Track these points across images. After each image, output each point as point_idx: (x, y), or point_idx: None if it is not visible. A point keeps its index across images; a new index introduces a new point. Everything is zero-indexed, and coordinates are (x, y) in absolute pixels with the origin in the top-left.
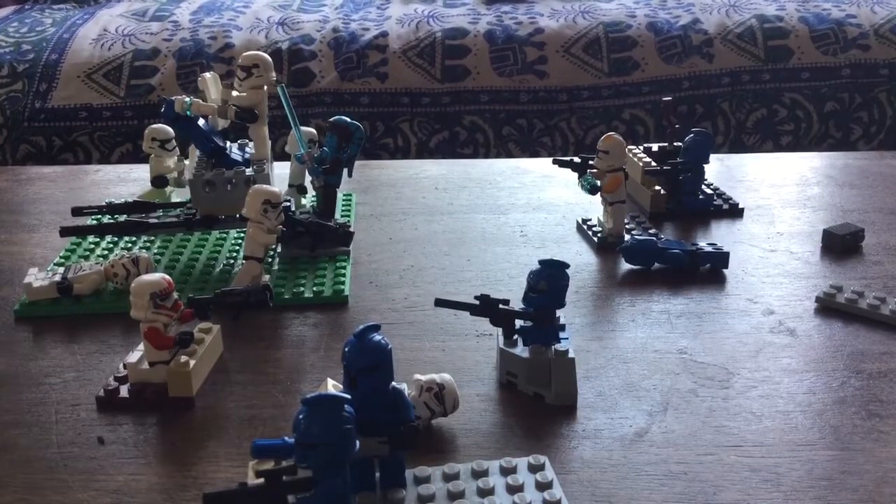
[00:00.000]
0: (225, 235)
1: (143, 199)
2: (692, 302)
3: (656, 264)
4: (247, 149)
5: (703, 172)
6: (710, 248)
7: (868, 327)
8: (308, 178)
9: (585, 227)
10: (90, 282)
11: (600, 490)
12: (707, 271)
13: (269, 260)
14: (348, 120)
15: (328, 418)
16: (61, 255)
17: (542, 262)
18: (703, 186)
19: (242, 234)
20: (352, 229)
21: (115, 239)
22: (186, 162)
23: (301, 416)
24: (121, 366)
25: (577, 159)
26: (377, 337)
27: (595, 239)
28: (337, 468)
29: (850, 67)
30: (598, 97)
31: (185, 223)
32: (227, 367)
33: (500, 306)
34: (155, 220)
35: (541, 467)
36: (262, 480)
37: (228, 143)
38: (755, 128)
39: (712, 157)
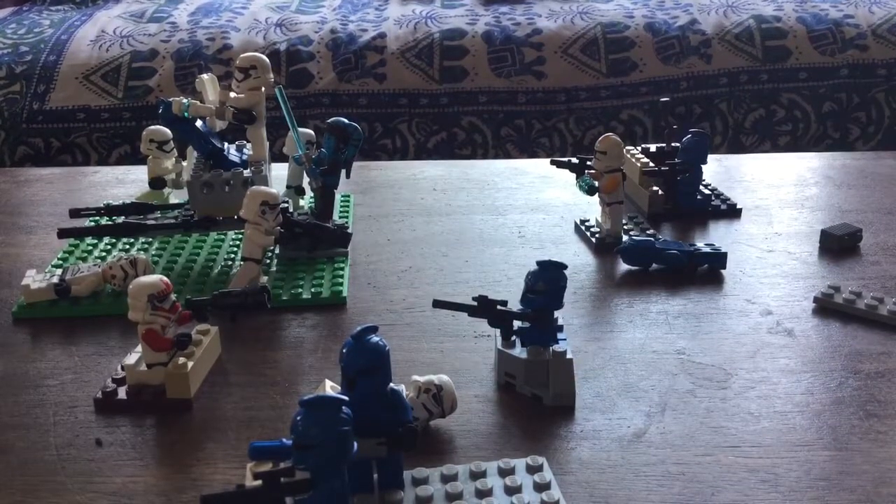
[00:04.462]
0: (223, 237)
1: (141, 200)
2: (690, 302)
3: (654, 265)
4: (245, 150)
5: (700, 173)
6: (707, 249)
7: (866, 327)
8: (306, 180)
9: (583, 227)
10: (88, 283)
11: (598, 491)
12: (705, 272)
13: (267, 261)
14: (346, 121)
15: (326, 420)
16: (59, 256)
17: (540, 263)
18: (701, 187)
19: (240, 236)
20: (350, 230)
21: (113, 240)
22: (184, 163)
23: (299, 418)
24: (119, 367)
25: (575, 160)
26: (375, 338)
27: (593, 240)
28: (335, 470)
29: (848, 68)
30: (596, 98)
31: (183, 225)
32: (225, 368)
33: (499, 307)
34: (153, 222)
35: (539, 468)
36: (259, 482)
37: (226, 145)
38: (753, 128)
39: (710, 157)
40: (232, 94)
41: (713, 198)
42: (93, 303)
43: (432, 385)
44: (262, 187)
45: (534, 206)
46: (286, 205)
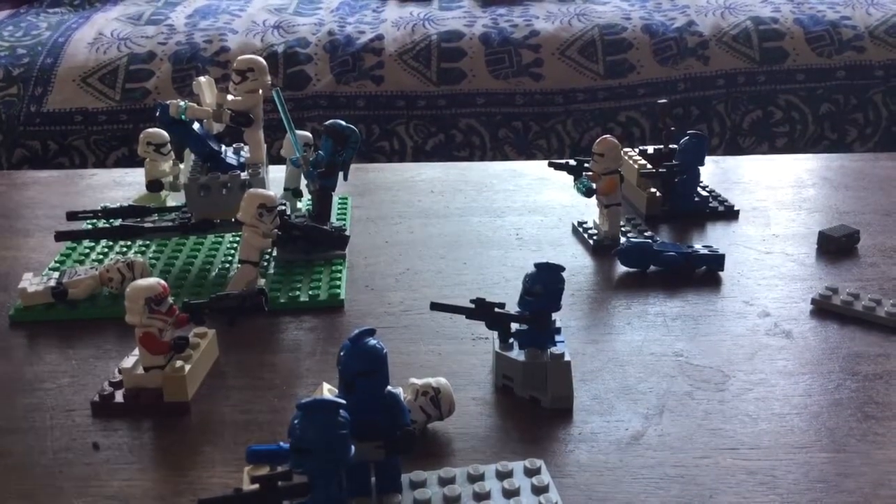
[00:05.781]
0: (220, 240)
1: (139, 203)
2: (688, 304)
3: (652, 267)
4: (242, 153)
5: (698, 174)
6: (705, 251)
7: (864, 329)
8: (303, 182)
9: (581, 229)
10: (85, 287)
11: (596, 494)
12: (703, 274)
13: (265, 264)
14: (344, 123)
15: (323, 423)
16: (56, 259)
17: (537, 265)
18: (699, 188)
19: (238, 239)
20: (347, 233)
21: (111, 243)
22: (182, 166)
23: (296, 421)
24: (116, 371)
25: (572, 162)
26: (373, 341)
27: (591, 241)
28: (332, 473)
29: (845, 69)
30: (593, 99)
31: (181, 227)
32: (222, 371)
33: (496, 309)
34: (150, 225)
35: (537, 471)
36: (257, 486)
37: (223, 147)
38: (750, 130)
39: (708, 159)
40: (229, 97)
41: (711, 199)
42: (90, 306)
43: (430, 388)
44: (260, 190)
45: (531, 208)
46: (283, 207)
